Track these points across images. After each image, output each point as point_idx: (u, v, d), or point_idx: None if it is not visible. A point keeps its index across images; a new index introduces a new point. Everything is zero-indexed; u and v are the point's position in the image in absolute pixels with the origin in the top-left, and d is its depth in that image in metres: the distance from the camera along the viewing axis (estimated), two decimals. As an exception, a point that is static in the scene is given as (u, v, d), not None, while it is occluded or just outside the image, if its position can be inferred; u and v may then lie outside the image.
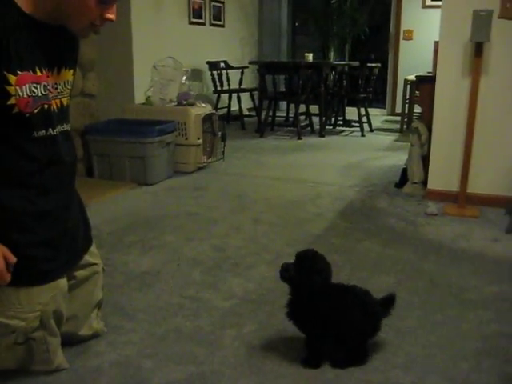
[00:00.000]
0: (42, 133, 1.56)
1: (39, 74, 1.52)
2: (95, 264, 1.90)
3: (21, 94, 1.47)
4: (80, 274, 1.83)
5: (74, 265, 1.79)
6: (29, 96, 1.49)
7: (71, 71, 1.69)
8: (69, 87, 1.69)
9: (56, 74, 1.60)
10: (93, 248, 1.91)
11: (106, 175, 4.16)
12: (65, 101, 1.67)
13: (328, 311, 1.75)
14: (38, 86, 1.52)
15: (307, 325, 1.78)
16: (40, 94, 1.53)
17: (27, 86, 1.48)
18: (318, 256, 1.77)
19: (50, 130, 1.59)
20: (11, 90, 1.44)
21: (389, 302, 1.84)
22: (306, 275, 1.72)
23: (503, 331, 2.01)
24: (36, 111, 1.52)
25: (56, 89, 1.61)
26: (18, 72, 1.45)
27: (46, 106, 1.56)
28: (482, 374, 1.75)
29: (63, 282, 1.69)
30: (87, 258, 1.85)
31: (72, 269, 1.78)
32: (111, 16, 1.55)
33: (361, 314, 1.77)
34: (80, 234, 1.82)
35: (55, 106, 1.61)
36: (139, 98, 5.17)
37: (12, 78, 1.44)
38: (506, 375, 1.75)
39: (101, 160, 4.16)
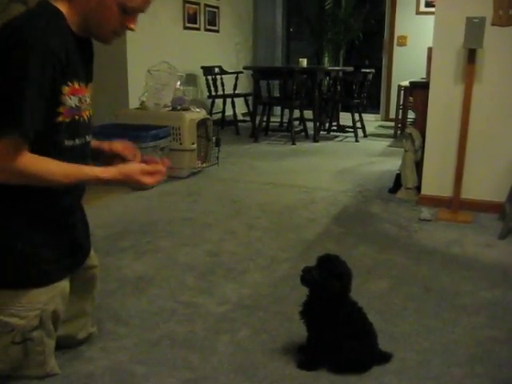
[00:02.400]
0: (70, 143, 1.64)
1: (77, 86, 1.61)
2: (94, 267, 1.91)
3: (68, 103, 1.57)
4: (80, 276, 1.83)
5: (76, 269, 1.79)
6: (70, 107, 1.59)
7: (91, 85, 1.76)
8: (91, 100, 1.76)
9: (85, 87, 1.68)
10: (91, 251, 1.91)
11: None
12: (89, 112, 1.73)
13: (344, 318, 1.77)
14: (74, 98, 1.60)
15: (318, 327, 1.79)
16: (74, 106, 1.61)
17: (71, 97, 1.58)
18: (339, 260, 1.80)
19: (77, 140, 1.66)
20: (63, 99, 1.55)
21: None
22: (327, 279, 1.73)
23: (496, 337, 2.02)
24: (68, 121, 1.60)
25: (86, 101, 1.68)
26: (69, 83, 1.56)
27: (76, 118, 1.63)
28: (476, 380, 1.75)
29: (64, 284, 1.69)
30: (87, 261, 1.86)
31: (74, 272, 1.77)
32: (132, 26, 1.65)
33: (367, 337, 1.80)
34: (83, 238, 1.83)
35: (84, 118, 1.69)
36: (133, 102, 5.17)
37: (66, 89, 1.55)
38: (499, 381, 1.75)
39: (95, 165, 4.14)
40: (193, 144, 4.47)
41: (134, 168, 1.69)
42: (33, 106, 1.44)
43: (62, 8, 1.56)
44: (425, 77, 4.65)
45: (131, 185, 1.70)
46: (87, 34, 1.66)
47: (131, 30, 1.65)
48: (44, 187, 1.56)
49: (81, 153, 1.70)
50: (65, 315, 1.77)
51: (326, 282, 1.73)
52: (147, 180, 1.69)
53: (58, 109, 1.54)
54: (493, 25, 3.35)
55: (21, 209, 1.58)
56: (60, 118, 1.56)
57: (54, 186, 1.56)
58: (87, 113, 1.71)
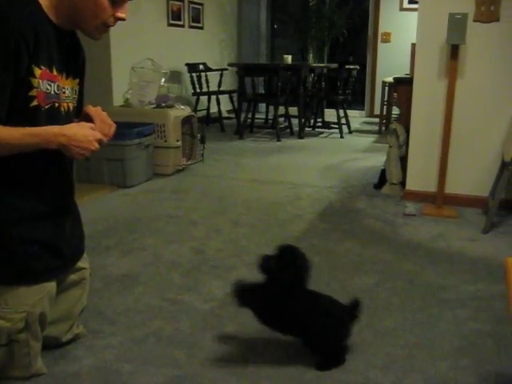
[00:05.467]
0: None
1: (55, 73, 1.59)
2: (84, 269, 1.89)
3: (42, 87, 1.53)
4: (69, 278, 1.82)
5: (66, 271, 1.77)
6: (45, 92, 1.55)
7: (76, 80, 1.73)
8: (75, 95, 1.74)
9: (64, 79, 1.66)
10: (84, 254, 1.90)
11: (84, 178, 4.12)
12: (71, 106, 1.72)
13: (297, 312, 1.77)
14: (52, 85, 1.58)
15: (271, 319, 1.79)
16: (53, 93, 1.59)
17: (45, 81, 1.55)
18: (299, 252, 1.78)
19: None
20: (35, 82, 1.51)
21: (355, 306, 1.85)
22: (286, 269, 1.72)
23: (480, 329, 2.04)
24: (47, 107, 1.57)
25: (64, 93, 1.66)
26: (42, 67, 1.53)
27: (56, 105, 1.61)
28: (460, 373, 1.77)
29: (51, 285, 1.67)
30: (78, 263, 1.84)
31: (62, 274, 1.76)
32: (123, 15, 1.63)
33: (327, 322, 1.78)
34: (76, 240, 1.82)
35: (63, 109, 1.66)
36: (117, 100, 5.13)
37: (37, 71, 1.51)
38: (484, 373, 1.77)
39: (79, 162, 4.12)
40: (178, 141, 4.46)
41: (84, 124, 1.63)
42: None
43: (41, 1, 1.54)
44: (409, 73, 4.68)
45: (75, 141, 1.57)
46: (73, 27, 1.64)
47: (122, 19, 1.63)
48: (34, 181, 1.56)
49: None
50: (51, 317, 1.76)
51: (282, 273, 1.72)
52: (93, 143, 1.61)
53: (31, 91, 1.51)
54: (475, 21, 3.38)
55: (10, 204, 1.56)
56: (35, 103, 1.52)
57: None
58: (69, 105, 1.69)
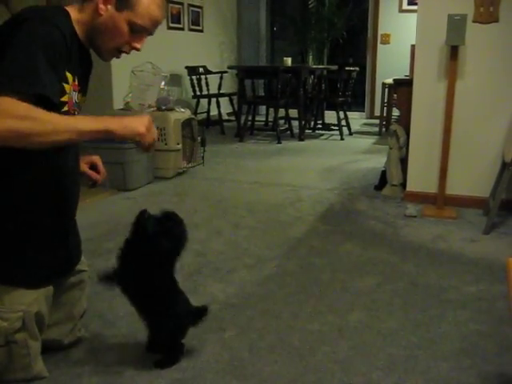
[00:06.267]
0: None
1: (75, 82, 1.62)
2: (83, 271, 1.90)
3: (71, 95, 1.59)
4: (68, 280, 1.82)
5: (64, 275, 1.78)
6: (73, 99, 1.61)
7: (83, 98, 1.75)
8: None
9: (80, 95, 1.69)
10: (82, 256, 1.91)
11: (84, 181, 4.11)
12: None
13: (150, 290, 1.72)
14: (75, 94, 1.63)
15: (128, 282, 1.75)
16: (75, 101, 1.63)
17: (72, 90, 1.60)
18: (182, 224, 1.72)
19: None
20: (67, 88, 1.56)
21: (201, 312, 1.83)
22: (161, 234, 1.64)
23: (482, 330, 2.04)
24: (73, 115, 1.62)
25: (79, 107, 1.69)
26: (73, 74, 1.58)
27: (76, 113, 1.65)
28: (462, 374, 1.77)
29: (48, 287, 1.68)
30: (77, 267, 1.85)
31: (59, 279, 1.76)
32: (138, 46, 1.67)
33: (167, 315, 1.75)
34: (74, 245, 1.83)
35: None
36: (118, 103, 5.14)
37: (70, 78, 1.56)
38: (485, 374, 1.77)
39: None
40: (178, 144, 4.46)
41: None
42: (45, 70, 1.42)
43: (72, 13, 1.59)
44: (408, 74, 4.68)
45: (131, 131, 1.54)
46: (89, 46, 1.66)
47: (136, 49, 1.67)
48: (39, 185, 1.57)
49: (75, 151, 1.74)
50: (52, 319, 1.77)
51: (158, 237, 1.64)
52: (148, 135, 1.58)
53: (64, 97, 1.54)
54: (474, 22, 3.38)
55: (11, 208, 1.57)
56: (66, 108, 1.56)
57: (41, 137, 1.40)
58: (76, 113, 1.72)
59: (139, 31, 1.63)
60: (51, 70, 1.43)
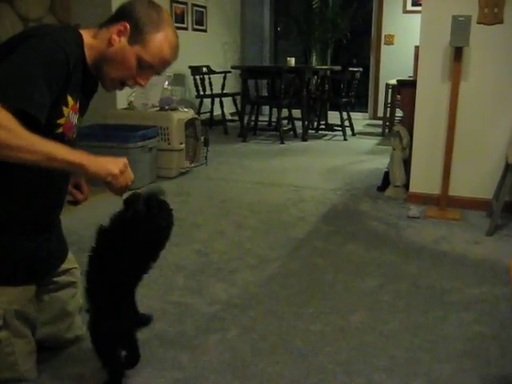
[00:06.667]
0: None
1: (76, 105, 1.61)
2: (73, 268, 1.90)
3: (70, 118, 1.57)
4: (60, 279, 1.83)
5: (46, 275, 1.77)
6: (72, 122, 1.60)
7: (81, 119, 1.74)
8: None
9: (79, 116, 1.68)
10: (69, 255, 1.90)
11: (87, 180, 4.12)
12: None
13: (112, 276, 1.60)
14: (75, 116, 1.62)
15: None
16: (75, 123, 1.62)
17: (73, 112, 1.59)
18: (171, 213, 1.66)
19: None
20: (66, 111, 1.55)
21: (145, 320, 1.74)
22: (153, 218, 1.57)
23: (484, 332, 2.03)
24: (70, 137, 1.62)
25: (77, 125, 1.69)
26: (74, 97, 1.57)
27: (74, 136, 1.66)
28: (465, 376, 1.76)
29: (29, 286, 1.67)
30: (63, 265, 1.85)
31: (43, 280, 1.76)
32: (142, 82, 1.66)
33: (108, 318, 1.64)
34: (57, 245, 1.82)
35: (73, 140, 1.69)
36: (121, 102, 5.14)
37: (70, 102, 1.55)
38: (488, 376, 1.77)
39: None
40: (181, 144, 4.46)
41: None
42: (39, 87, 1.41)
43: (86, 37, 1.59)
44: (412, 75, 4.68)
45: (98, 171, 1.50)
46: (95, 72, 1.66)
47: (140, 85, 1.67)
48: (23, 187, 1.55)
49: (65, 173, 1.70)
50: (46, 316, 1.78)
51: (150, 220, 1.56)
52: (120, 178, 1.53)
53: (60, 119, 1.54)
54: (478, 23, 3.37)
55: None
56: (60, 130, 1.55)
57: (15, 155, 1.36)
58: (76, 135, 1.72)
59: (146, 68, 1.63)
60: (46, 89, 1.42)
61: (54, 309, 1.82)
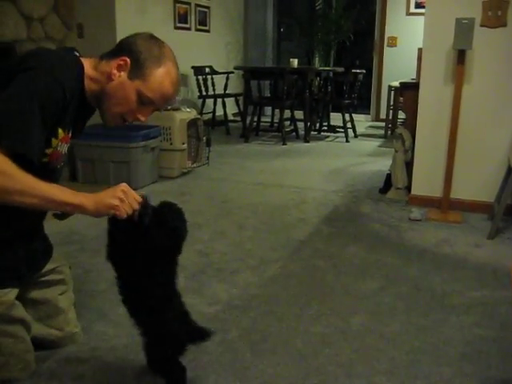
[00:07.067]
0: None
1: (68, 135, 1.62)
2: (61, 266, 1.90)
3: (59, 149, 1.58)
4: (47, 278, 1.83)
5: (29, 280, 1.77)
6: (60, 152, 1.61)
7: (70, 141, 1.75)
8: None
9: (69, 139, 1.68)
10: (54, 254, 1.90)
11: (90, 180, 4.13)
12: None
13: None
14: (65, 146, 1.62)
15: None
16: (63, 153, 1.63)
17: (64, 144, 1.60)
18: (184, 219, 1.61)
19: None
20: (54, 142, 1.55)
21: (203, 334, 1.65)
22: (161, 228, 1.52)
23: (485, 336, 2.03)
24: (57, 167, 1.64)
25: (65, 155, 1.70)
26: (65, 130, 1.58)
27: (62, 164, 1.67)
28: (465, 379, 1.76)
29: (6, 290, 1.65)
30: (49, 265, 1.85)
31: (28, 281, 1.76)
32: (142, 118, 1.65)
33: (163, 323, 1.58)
34: (40, 249, 1.82)
35: (60, 167, 1.71)
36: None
37: (60, 134, 1.56)
38: (488, 380, 1.76)
39: (85, 164, 4.14)
40: (183, 144, 4.47)
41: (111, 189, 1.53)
42: (36, 127, 1.42)
43: (86, 67, 1.59)
44: (415, 77, 4.67)
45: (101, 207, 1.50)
46: (95, 105, 1.66)
47: (140, 121, 1.65)
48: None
49: None
50: (38, 315, 1.79)
51: (158, 231, 1.52)
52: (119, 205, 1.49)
53: (48, 150, 1.53)
54: (482, 26, 3.37)
55: None
56: (46, 159, 1.55)
57: (13, 198, 1.38)
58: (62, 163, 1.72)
59: (147, 103, 1.62)
60: (41, 129, 1.43)
61: (44, 307, 1.82)
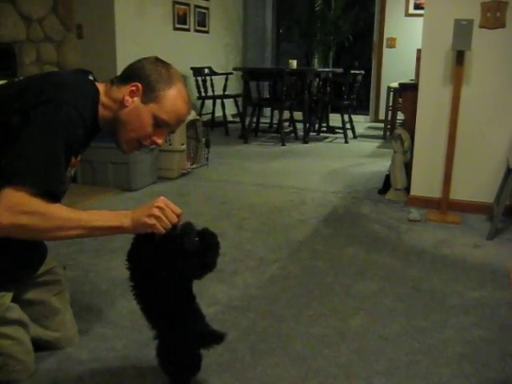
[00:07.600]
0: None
1: (77, 159, 1.64)
2: (54, 267, 1.89)
3: (68, 174, 1.59)
4: (42, 279, 1.83)
5: (24, 282, 1.77)
6: (68, 177, 1.62)
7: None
8: None
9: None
10: (48, 256, 1.90)
11: (89, 181, 4.13)
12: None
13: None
14: (72, 170, 1.64)
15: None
16: (70, 176, 1.64)
17: (71, 169, 1.61)
18: (217, 253, 1.57)
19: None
20: (68, 169, 1.57)
21: (215, 337, 1.63)
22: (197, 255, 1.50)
23: (484, 336, 2.03)
24: (63, 190, 1.63)
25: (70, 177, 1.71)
26: (77, 157, 1.61)
27: (65, 188, 1.66)
28: (464, 380, 1.76)
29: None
30: (44, 267, 1.84)
31: (17, 287, 1.75)
32: (159, 141, 1.65)
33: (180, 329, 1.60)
34: (39, 252, 1.82)
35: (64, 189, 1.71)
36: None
37: (72, 161, 1.57)
38: (488, 380, 1.77)
39: (84, 165, 4.14)
40: (182, 145, 4.47)
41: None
42: (61, 164, 1.44)
43: (101, 95, 1.60)
44: (414, 78, 4.68)
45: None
46: (106, 130, 1.66)
47: (157, 144, 1.66)
48: None
49: None
50: (36, 315, 1.79)
51: (194, 257, 1.49)
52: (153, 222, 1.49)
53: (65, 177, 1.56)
54: (481, 27, 3.38)
55: None
56: (64, 187, 1.58)
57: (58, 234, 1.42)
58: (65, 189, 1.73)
59: (162, 125, 1.62)
60: (65, 164, 1.46)
61: (40, 307, 1.82)
